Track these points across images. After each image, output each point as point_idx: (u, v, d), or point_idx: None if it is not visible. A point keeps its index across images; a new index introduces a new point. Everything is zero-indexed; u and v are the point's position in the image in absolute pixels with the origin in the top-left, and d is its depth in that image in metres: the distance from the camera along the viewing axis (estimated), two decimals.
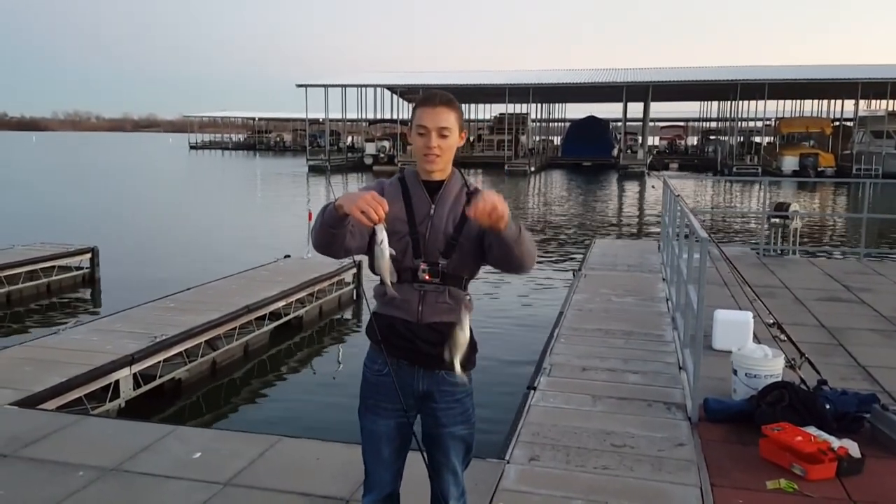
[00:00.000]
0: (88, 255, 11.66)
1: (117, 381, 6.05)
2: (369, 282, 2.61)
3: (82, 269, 11.63)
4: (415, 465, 2.60)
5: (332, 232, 2.28)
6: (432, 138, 2.37)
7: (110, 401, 5.97)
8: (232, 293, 8.55)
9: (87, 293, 11.38)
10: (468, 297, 2.46)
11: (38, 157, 65.95)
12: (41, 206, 23.63)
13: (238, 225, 20.34)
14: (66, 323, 8.59)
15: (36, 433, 4.51)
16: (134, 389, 6.26)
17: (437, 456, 2.53)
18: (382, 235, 2.19)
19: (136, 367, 6.26)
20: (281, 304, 8.68)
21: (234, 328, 7.70)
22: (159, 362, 6.56)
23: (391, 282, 2.27)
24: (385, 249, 2.20)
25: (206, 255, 14.55)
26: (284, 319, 8.73)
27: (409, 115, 2.50)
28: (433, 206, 2.42)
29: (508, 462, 4.07)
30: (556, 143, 65.23)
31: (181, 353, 6.87)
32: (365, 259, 2.44)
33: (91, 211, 22.63)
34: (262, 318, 8.30)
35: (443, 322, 2.41)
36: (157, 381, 6.54)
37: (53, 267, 11.05)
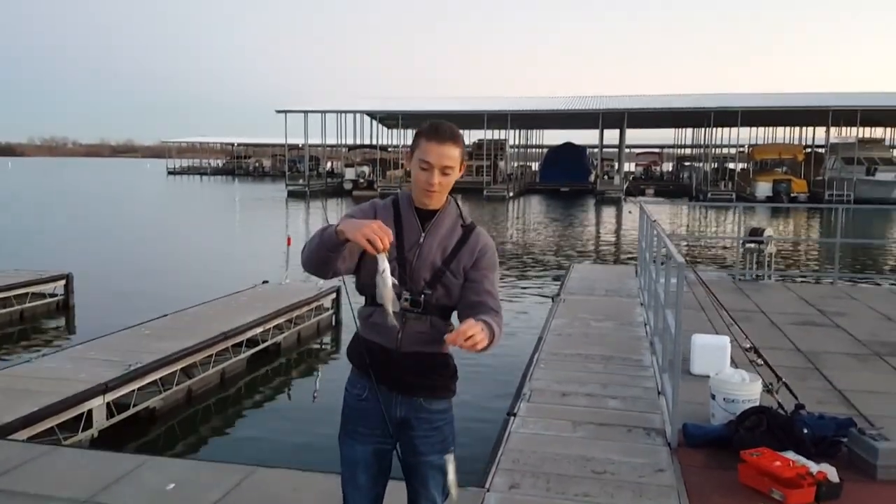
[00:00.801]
0: (63, 282, 11.51)
1: (90, 411, 5.94)
2: (353, 304, 2.60)
3: (56, 295, 11.47)
4: (396, 493, 2.57)
5: (328, 255, 2.26)
6: (434, 175, 2.33)
7: (83, 430, 5.86)
8: (209, 319, 8.46)
9: (60, 320, 11.21)
10: (451, 328, 2.41)
11: (13, 182, 65.18)
12: (15, 232, 23.29)
13: (216, 250, 20.20)
14: (38, 351, 8.45)
15: (6, 464, 4.40)
16: (107, 419, 6.15)
17: (415, 485, 2.50)
18: (385, 265, 2.18)
19: (110, 396, 6.16)
20: (258, 330, 8.60)
21: (211, 355, 7.61)
22: (133, 391, 6.46)
23: (393, 311, 2.24)
24: (388, 278, 2.19)
25: (183, 282, 14.40)
26: (262, 346, 8.65)
27: (403, 140, 2.49)
28: (423, 235, 2.39)
29: (489, 490, 4.04)
30: (534, 168, 65.67)
31: (156, 381, 6.77)
32: (346, 283, 2.42)
33: (66, 237, 22.37)
34: (240, 344, 8.21)
35: (422, 352, 2.40)
36: (132, 410, 6.43)
37: (27, 294, 10.88)
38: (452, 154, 2.34)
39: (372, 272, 2.35)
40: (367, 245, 2.13)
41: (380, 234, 2.13)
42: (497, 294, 2.40)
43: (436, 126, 2.37)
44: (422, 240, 2.38)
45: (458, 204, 2.48)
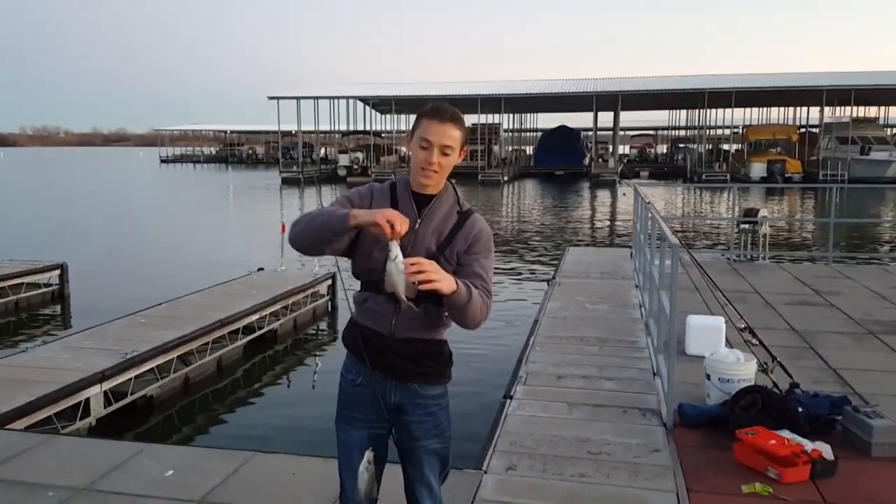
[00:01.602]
0: (58, 272, 11.48)
1: (88, 399, 5.95)
2: (347, 290, 2.59)
3: (51, 285, 11.44)
4: (393, 477, 2.58)
5: (330, 238, 2.26)
6: (434, 154, 2.32)
7: (80, 419, 5.87)
8: (205, 307, 8.46)
9: (56, 310, 11.20)
10: (446, 314, 2.40)
11: (6, 172, 64.87)
12: (8, 222, 23.21)
13: (210, 238, 20.16)
14: (35, 340, 8.45)
15: (4, 454, 4.41)
16: (105, 407, 6.16)
17: (410, 470, 2.51)
18: (397, 251, 2.18)
19: (107, 385, 6.17)
20: (255, 317, 8.60)
21: (207, 343, 7.62)
22: (130, 379, 6.46)
23: (406, 297, 2.23)
24: (400, 264, 2.17)
25: (178, 270, 14.38)
26: (258, 333, 8.66)
27: (397, 125, 2.48)
28: (419, 220, 2.38)
29: (486, 472, 4.06)
30: (528, 152, 65.58)
31: (153, 369, 6.78)
32: (341, 269, 2.40)
33: (60, 226, 22.28)
34: (236, 332, 8.22)
35: (416, 338, 2.40)
36: (129, 399, 6.44)
37: (22, 284, 10.86)
38: (453, 134, 2.34)
39: (367, 257, 2.35)
40: (386, 227, 2.13)
41: (399, 220, 2.14)
42: (488, 278, 2.39)
43: (437, 106, 2.37)
44: (417, 225, 2.37)
45: (455, 189, 2.47)
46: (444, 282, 2.16)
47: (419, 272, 2.12)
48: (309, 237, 2.30)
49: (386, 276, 2.20)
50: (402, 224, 2.15)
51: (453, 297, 2.20)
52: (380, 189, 2.46)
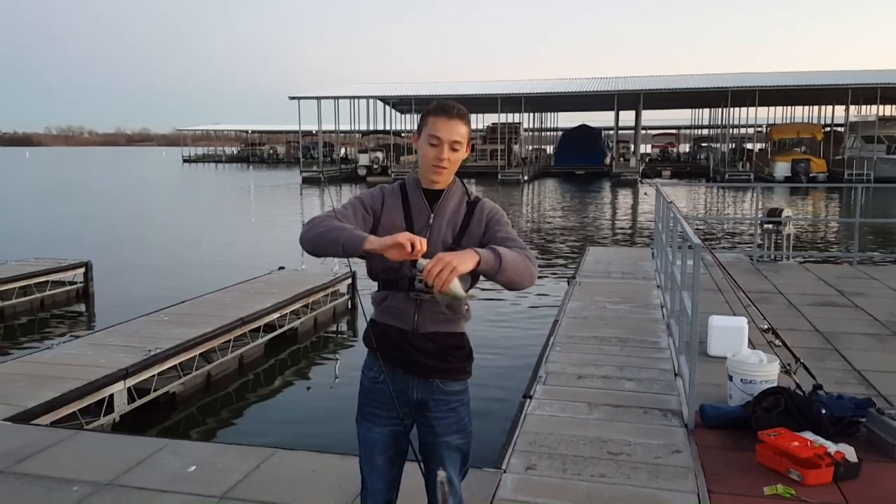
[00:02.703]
0: (82, 270, 11.62)
1: (111, 396, 6.02)
2: (365, 290, 2.61)
3: (76, 283, 11.58)
4: (414, 476, 2.59)
5: (341, 254, 2.28)
6: (444, 150, 2.36)
7: (104, 415, 5.94)
8: (226, 306, 8.53)
9: (80, 307, 11.34)
10: (466, 308, 2.45)
11: (32, 172, 65.83)
12: (34, 221, 23.56)
13: (232, 237, 20.31)
14: (59, 338, 8.57)
15: (30, 448, 4.48)
16: (128, 403, 6.23)
17: (432, 466, 2.51)
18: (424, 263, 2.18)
19: (131, 381, 6.23)
20: (275, 315, 8.65)
21: (229, 341, 7.68)
22: (154, 376, 6.53)
23: (467, 292, 2.22)
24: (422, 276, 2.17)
25: (201, 268, 14.51)
26: (279, 331, 8.71)
27: (416, 124, 2.50)
28: (432, 216, 2.42)
29: (505, 471, 4.06)
30: (548, 151, 65.36)
31: (175, 366, 6.84)
32: (359, 270, 2.43)
33: (84, 225, 22.57)
34: (257, 330, 8.27)
35: (438, 332, 2.41)
36: (152, 395, 6.51)
37: (47, 282, 11.00)
38: (461, 130, 2.38)
39: (383, 257, 2.37)
40: (408, 246, 2.12)
41: (417, 238, 2.14)
42: (517, 238, 2.38)
43: (443, 104, 2.41)
44: (431, 220, 2.41)
45: (463, 183, 2.51)
46: (465, 262, 2.13)
47: (439, 275, 2.09)
48: (321, 247, 2.31)
49: (440, 300, 2.22)
50: (421, 242, 2.15)
51: (484, 269, 2.18)
52: (390, 190, 2.50)
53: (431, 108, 2.42)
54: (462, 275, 2.14)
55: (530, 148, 58.80)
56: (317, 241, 2.31)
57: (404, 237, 2.14)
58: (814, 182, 39.09)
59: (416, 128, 2.48)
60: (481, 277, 2.30)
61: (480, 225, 2.42)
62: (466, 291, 2.20)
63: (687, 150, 73.54)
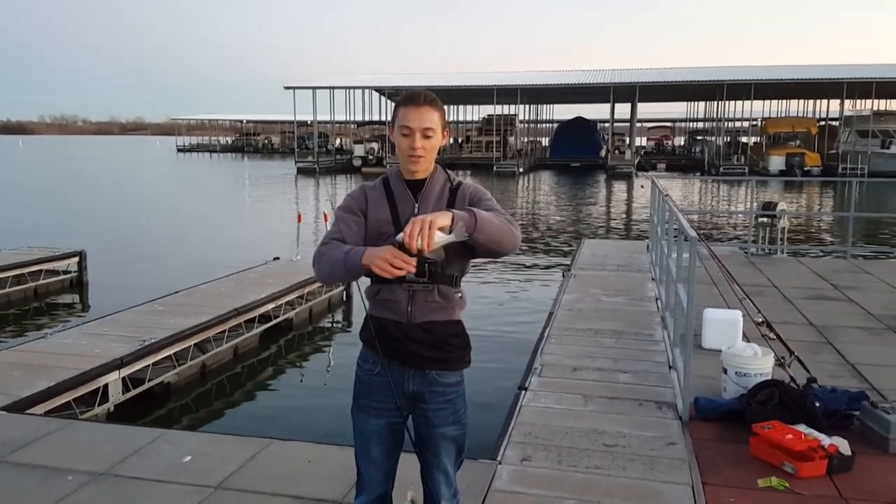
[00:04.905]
0: (76, 259, 11.58)
1: (106, 385, 6.01)
2: (361, 283, 2.61)
3: (70, 272, 11.55)
4: (408, 466, 2.60)
5: (351, 278, 2.38)
6: (416, 139, 2.37)
7: (99, 405, 5.93)
8: (221, 296, 8.51)
9: (75, 297, 11.31)
10: (459, 295, 2.45)
11: (25, 160, 65.49)
12: (28, 210, 23.45)
13: (227, 227, 20.26)
14: (53, 327, 8.54)
15: (24, 438, 4.47)
16: (123, 393, 6.22)
17: (428, 457, 2.53)
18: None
19: (125, 371, 6.23)
20: (270, 306, 8.64)
21: (224, 331, 7.67)
22: (148, 366, 6.52)
23: (419, 271, 2.26)
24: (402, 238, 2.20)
25: (195, 258, 14.47)
26: (274, 322, 8.70)
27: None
28: (417, 205, 2.42)
29: (500, 463, 4.07)
30: (544, 143, 65.29)
31: (170, 356, 6.83)
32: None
33: (78, 214, 22.49)
34: (252, 320, 8.26)
35: (433, 321, 2.41)
36: (147, 385, 6.50)
37: (41, 271, 10.96)
38: (431, 117, 2.38)
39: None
40: (394, 272, 2.17)
41: (400, 261, 2.16)
42: (500, 208, 2.39)
43: (411, 93, 2.42)
44: (416, 210, 2.40)
45: (444, 169, 2.51)
46: (439, 217, 2.14)
47: (420, 233, 2.09)
48: (336, 278, 2.42)
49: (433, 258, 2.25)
50: (406, 265, 2.18)
51: (460, 225, 2.16)
52: (372, 186, 2.51)
53: (400, 98, 2.44)
54: (443, 244, 2.16)
55: (526, 140, 58.71)
56: (330, 275, 2.41)
57: (390, 273, 2.17)
58: (808, 176, 39.13)
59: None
60: (472, 265, 2.30)
61: (464, 206, 2.39)
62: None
63: (682, 143, 73.52)
